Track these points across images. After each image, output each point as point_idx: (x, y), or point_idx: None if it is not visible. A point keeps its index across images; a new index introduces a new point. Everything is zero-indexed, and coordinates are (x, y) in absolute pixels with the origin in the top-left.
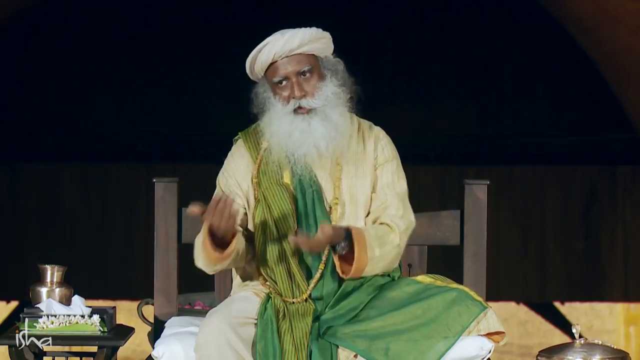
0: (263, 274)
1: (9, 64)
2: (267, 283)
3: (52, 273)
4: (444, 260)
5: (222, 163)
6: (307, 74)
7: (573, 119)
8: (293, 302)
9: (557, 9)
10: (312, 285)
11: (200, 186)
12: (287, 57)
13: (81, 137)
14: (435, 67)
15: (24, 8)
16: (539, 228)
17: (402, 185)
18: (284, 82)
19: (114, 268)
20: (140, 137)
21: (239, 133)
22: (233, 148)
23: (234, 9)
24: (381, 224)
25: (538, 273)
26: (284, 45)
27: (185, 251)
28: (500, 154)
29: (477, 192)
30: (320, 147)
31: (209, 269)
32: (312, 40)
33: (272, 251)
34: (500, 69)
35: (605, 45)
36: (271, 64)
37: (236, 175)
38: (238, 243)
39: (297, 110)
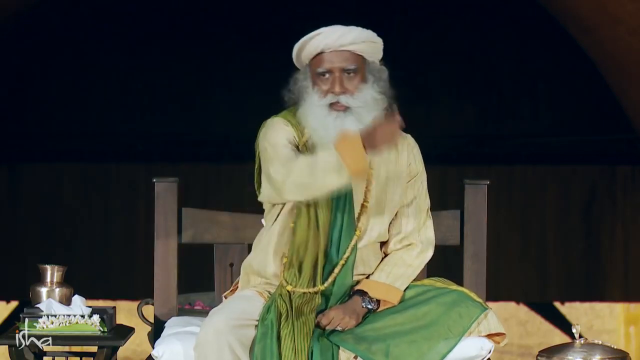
0: (288, 260)
1: (8, 64)
2: (284, 272)
3: (52, 273)
4: (444, 261)
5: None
6: (351, 73)
7: (573, 119)
8: (303, 293)
9: (557, 9)
10: (331, 278)
11: (200, 186)
12: (336, 51)
13: (81, 137)
14: (435, 67)
15: (24, 8)
16: (539, 228)
17: (427, 201)
18: (326, 75)
19: (114, 268)
20: (140, 137)
21: (274, 117)
22: (275, 120)
23: (234, 10)
24: (408, 245)
25: (538, 273)
26: (337, 39)
27: (186, 251)
28: (500, 154)
29: (477, 192)
30: None
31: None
32: (365, 41)
33: (304, 238)
34: (500, 69)
35: (605, 45)
36: (319, 54)
37: (290, 134)
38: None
39: (333, 105)
